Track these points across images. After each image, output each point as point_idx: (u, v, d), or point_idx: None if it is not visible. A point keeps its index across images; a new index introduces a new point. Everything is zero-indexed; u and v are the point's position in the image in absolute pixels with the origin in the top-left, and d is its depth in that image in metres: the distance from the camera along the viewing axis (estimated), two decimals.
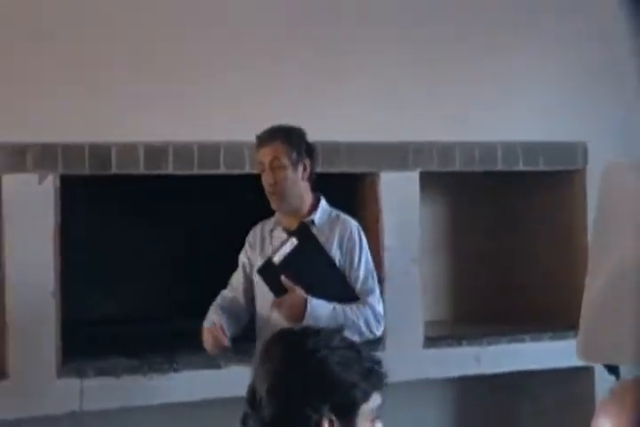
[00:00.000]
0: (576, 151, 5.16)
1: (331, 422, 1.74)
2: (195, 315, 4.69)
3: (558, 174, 5.22)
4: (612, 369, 4.21)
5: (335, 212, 3.96)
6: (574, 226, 5.17)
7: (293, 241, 3.67)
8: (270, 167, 3.74)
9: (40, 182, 4.20)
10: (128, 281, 4.87)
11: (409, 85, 4.82)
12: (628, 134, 5.16)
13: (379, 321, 3.78)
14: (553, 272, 5.22)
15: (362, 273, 3.83)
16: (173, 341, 4.62)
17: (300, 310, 3.60)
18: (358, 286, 3.80)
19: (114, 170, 4.32)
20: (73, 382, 4.18)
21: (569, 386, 5.11)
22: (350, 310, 3.70)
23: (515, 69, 5.07)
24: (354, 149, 4.69)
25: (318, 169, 4.17)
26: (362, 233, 3.90)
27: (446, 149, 4.90)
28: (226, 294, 3.99)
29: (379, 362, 1.89)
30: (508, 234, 5.51)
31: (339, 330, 2.08)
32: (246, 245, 3.98)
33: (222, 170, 4.53)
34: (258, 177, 4.19)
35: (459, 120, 4.91)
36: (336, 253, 3.81)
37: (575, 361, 4.44)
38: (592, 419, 4.09)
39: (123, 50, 4.41)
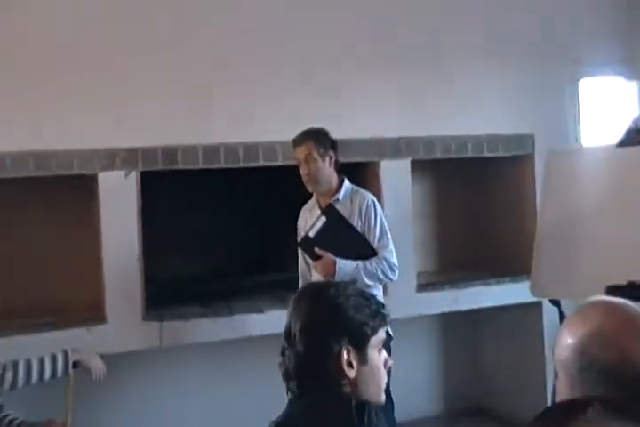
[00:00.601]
0: (526, 141, 5.13)
1: (348, 351, 1.77)
2: (245, 275, 4.93)
3: (513, 159, 5.19)
4: (555, 302, 4.18)
5: (355, 188, 4.04)
6: (526, 196, 5.17)
7: (323, 219, 3.77)
8: (305, 161, 3.84)
9: (126, 177, 4.17)
10: (192, 250, 4.85)
11: (402, 97, 4.78)
12: (562, 130, 5.25)
13: (393, 269, 3.87)
14: (511, 232, 5.20)
15: (377, 233, 3.90)
16: (230, 293, 4.58)
17: (331, 270, 3.72)
18: (375, 244, 3.87)
19: (180, 166, 4.27)
20: (154, 325, 4.16)
21: (524, 316, 5.11)
22: (370, 265, 3.79)
23: (481, 82, 5.03)
24: (362, 143, 4.65)
25: (347, 159, 4.36)
26: (376, 203, 3.98)
27: (429, 142, 4.87)
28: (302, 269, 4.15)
29: (383, 306, 1.90)
30: (477, 204, 5.49)
31: (353, 282, 2.10)
32: (299, 229, 4.08)
33: (261, 163, 4.46)
34: (287, 167, 4.34)
35: (438, 120, 4.88)
36: (358, 220, 3.88)
37: (529, 298, 4.51)
38: (539, 339, 4.07)
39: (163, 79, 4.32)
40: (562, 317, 3.76)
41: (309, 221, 3.96)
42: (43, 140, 3.98)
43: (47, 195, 4.30)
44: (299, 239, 3.99)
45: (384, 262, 3.84)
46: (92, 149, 4.08)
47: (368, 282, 3.76)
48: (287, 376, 1.82)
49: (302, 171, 3.88)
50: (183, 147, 4.27)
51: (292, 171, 4.43)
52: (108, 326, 4.08)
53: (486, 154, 5.05)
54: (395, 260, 3.89)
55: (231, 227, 4.95)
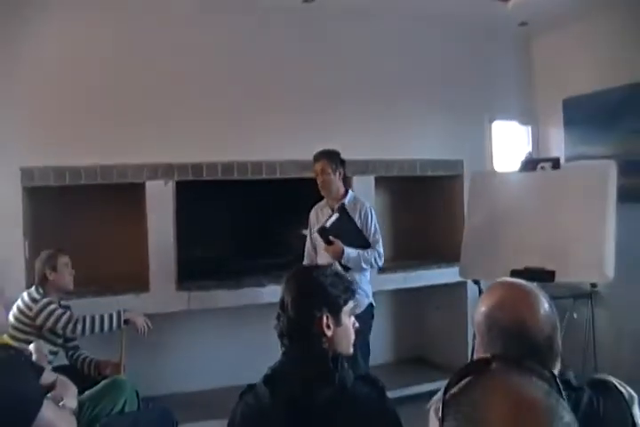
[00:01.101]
0: (458, 165, 5.16)
1: (327, 317, 1.79)
2: (251, 258, 4.86)
3: (449, 177, 5.22)
4: (476, 282, 4.27)
5: (357, 196, 4.08)
6: (457, 205, 5.17)
7: (336, 215, 3.81)
8: (320, 173, 3.89)
9: (165, 185, 4.21)
10: (212, 239, 4.81)
11: (370, 129, 4.79)
12: (482, 157, 5.30)
13: (381, 258, 3.93)
14: (446, 231, 5.20)
15: (372, 230, 3.94)
16: (240, 272, 4.59)
17: (339, 254, 3.76)
18: (370, 238, 3.91)
19: (204, 177, 4.31)
20: (184, 294, 4.21)
21: (454, 292, 5.11)
22: (367, 253, 3.85)
23: (427, 121, 5.05)
24: None
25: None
26: (372, 209, 4.02)
27: (388, 163, 4.90)
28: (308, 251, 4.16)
29: (352, 283, 1.92)
30: (423, 209, 5.49)
31: (330, 266, 2.09)
32: (310, 223, 4.12)
33: (264, 176, 4.50)
34: (284, 180, 4.45)
35: (395, 147, 4.90)
36: (358, 219, 3.91)
37: (457, 278, 4.54)
38: (464, 309, 4.05)
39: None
40: (480, 293, 3.66)
41: (321, 217, 4.00)
42: (106, 156, 4.03)
43: (109, 198, 4.33)
44: (313, 230, 3.99)
45: (376, 253, 3.88)
46: (141, 163, 4.14)
47: (364, 266, 3.86)
48: (281, 335, 1.82)
49: (319, 181, 3.91)
50: (206, 163, 4.30)
51: (288, 183, 4.50)
52: (151, 293, 4.13)
53: (429, 173, 5.07)
54: (382, 251, 3.94)
55: (241, 223, 4.90)
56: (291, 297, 1.82)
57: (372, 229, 3.95)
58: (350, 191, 4.05)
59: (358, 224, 3.90)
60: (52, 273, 3.51)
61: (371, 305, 3.95)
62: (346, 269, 3.63)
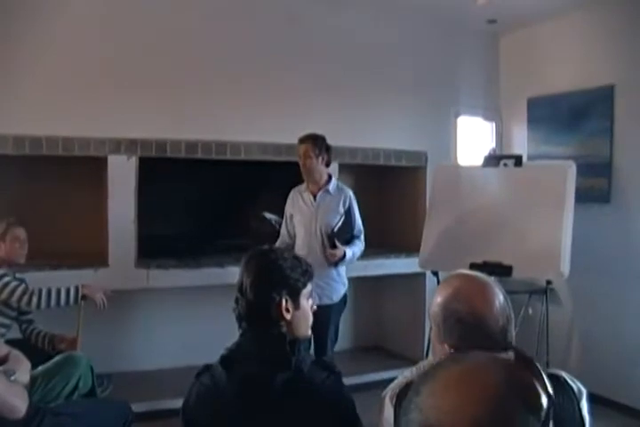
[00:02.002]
0: (422, 156, 5.17)
1: (286, 300, 1.77)
2: (211, 239, 4.84)
3: (412, 168, 5.23)
4: (434, 273, 4.34)
5: (340, 184, 4.02)
6: (419, 196, 5.20)
7: (342, 218, 3.80)
8: (303, 157, 3.80)
9: (128, 160, 4.14)
10: (172, 217, 4.76)
11: (336, 117, 4.75)
12: (445, 151, 5.32)
13: (364, 246, 3.96)
14: (407, 222, 5.24)
15: (357, 221, 3.95)
16: (199, 252, 4.56)
17: (339, 259, 3.75)
18: (355, 229, 3.92)
19: (168, 154, 4.25)
20: (143, 271, 4.17)
21: (412, 282, 5.15)
22: (358, 249, 3.88)
23: (393, 113, 5.06)
24: None
25: (292, 158, 4.22)
26: (353, 197, 3.98)
27: (353, 151, 4.89)
28: (282, 233, 4.06)
29: (310, 266, 1.89)
30: (385, 200, 5.53)
31: (288, 249, 2.08)
32: (288, 204, 4.02)
33: (228, 157, 4.45)
34: (248, 162, 4.40)
35: (360, 136, 4.89)
36: (342, 208, 3.86)
37: (417, 269, 4.62)
38: (422, 299, 4.11)
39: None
40: (439, 284, 3.89)
41: (301, 202, 3.90)
42: (68, 127, 3.93)
43: (71, 171, 4.25)
44: (292, 212, 3.92)
45: (361, 242, 3.92)
46: (104, 137, 4.05)
47: (355, 260, 3.92)
48: (239, 318, 1.79)
49: (302, 163, 3.81)
50: (171, 140, 4.23)
51: (253, 165, 4.48)
52: (110, 269, 4.07)
53: (393, 163, 5.08)
54: (363, 240, 3.97)
55: (204, 203, 4.87)
56: (250, 280, 1.79)
57: (358, 218, 3.95)
58: (333, 178, 3.97)
59: (342, 211, 3.86)
60: (2, 245, 3.43)
61: (346, 295, 3.96)
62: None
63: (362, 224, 3.99)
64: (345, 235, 3.85)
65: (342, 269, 3.90)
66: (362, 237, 3.94)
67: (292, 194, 4.01)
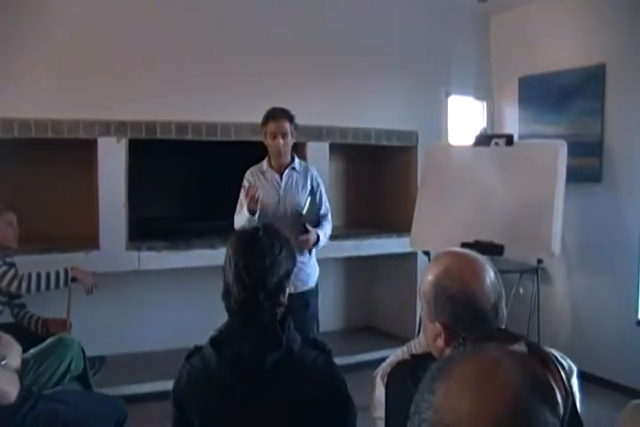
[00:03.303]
0: (412, 136, 5.16)
1: (288, 285, 1.77)
2: (201, 220, 4.82)
3: (403, 148, 5.22)
4: (426, 253, 4.33)
5: (304, 162, 3.75)
6: (410, 176, 5.21)
7: (309, 198, 3.50)
8: (281, 135, 3.42)
9: (117, 142, 4.10)
10: (163, 199, 4.79)
11: (327, 96, 4.74)
12: (437, 130, 5.29)
13: (333, 226, 3.71)
14: (398, 202, 5.23)
15: (325, 199, 3.67)
16: (190, 233, 4.54)
17: (312, 244, 3.43)
18: (323, 208, 3.63)
19: (158, 136, 4.21)
20: (134, 254, 4.15)
21: (404, 262, 5.17)
22: (328, 230, 3.58)
23: (383, 92, 5.02)
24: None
25: None
26: (319, 175, 3.69)
27: (343, 131, 4.88)
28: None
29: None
30: (376, 179, 5.54)
31: (274, 231, 1.85)
32: (247, 177, 3.57)
33: (219, 138, 4.43)
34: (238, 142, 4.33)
35: (351, 115, 4.87)
36: (310, 186, 3.56)
37: (408, 249, 4.64)
38: (413, 278, 4.09)
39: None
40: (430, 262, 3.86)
41: (265, 182, 3.52)
42: (57, 110, 3.89)
43: (60, 154, 4.24)
44: (249, 193, 3.30)
45: (329, 222, 3.65)
46: (93, 119, 4.01)
47: (327, 241, 3.60)
48: (240, 304, 1.72)
49: (275, 142, 3.43)
50: (160, 122, 4.19)
51: (244, 145, 4.46)
52: (101, 252, 4.06)
53: (384, 142, 5.06)
54: (331, 218, 3.70)
55: (195, 184, 4.87)
56: (266, 264, 1.73)
57: (325, 197, 3.69)
58: (296, 157, 3.66)
59: (309, 190, 3.58)
60: None
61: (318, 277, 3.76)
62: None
63: (327, 202, 3.72)
64: (313, 216, 3.56)
65: (313, 252, 3.61)
66: (329, 216, 3.68)
67: (249, 175, 3.60)
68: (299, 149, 4.63)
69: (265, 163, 3.61)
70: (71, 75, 3.98)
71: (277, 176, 3.56)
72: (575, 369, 1.55)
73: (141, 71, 4.18)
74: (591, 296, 4.64)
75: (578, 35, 4.73)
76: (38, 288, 3.36)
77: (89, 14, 4.05)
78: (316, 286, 3.66)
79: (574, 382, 1.50)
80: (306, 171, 3.63)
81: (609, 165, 4.54)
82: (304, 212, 3.46)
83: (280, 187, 3.54)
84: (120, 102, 4.10)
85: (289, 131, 3.45)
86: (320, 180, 3.69)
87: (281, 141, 3.44)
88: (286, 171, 3.56)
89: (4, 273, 3.32)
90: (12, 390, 2.14)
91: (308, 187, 3.59)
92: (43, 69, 3.92)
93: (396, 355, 1.74)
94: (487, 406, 0.76)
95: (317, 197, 3.62)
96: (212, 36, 4.41)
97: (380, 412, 1.58)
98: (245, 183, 3.52)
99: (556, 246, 3.86)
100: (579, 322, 4.73)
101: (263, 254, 1.73)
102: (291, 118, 3.47)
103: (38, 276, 3.36)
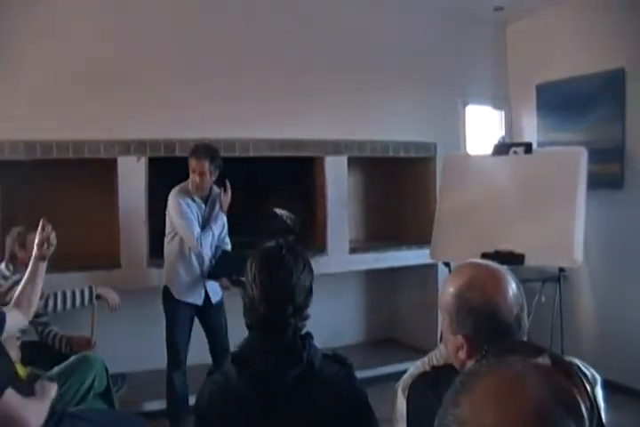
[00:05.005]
0: (430, 147, 5.16)
1: None
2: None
3: (421, 159, 5.22)
4: (446, 264, 4.35)
5: (215, 188, 3.85)
6: (429, 187, 5.18)
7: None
8: (200, 174, 3.64)
9: (137, 161, 4.17)
10: None
11: (345, 111, 4.78)
12: (455, 140, 5.30)
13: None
14: (418, 213, 5.21)
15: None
16: None
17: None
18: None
19: (177, 154, 4.24)
20: (155, 271, 4.15)
21: (424, 273, 5.13)
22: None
23: (400, 105, 5.04)
24: (313, 143, 4.67)
25: (301, 154, 4.56)
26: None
27: (362, 144, 4.89)
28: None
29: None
30: (395, 191, 5.51)
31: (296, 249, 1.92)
32: (184, 206, 3.72)
33: (237, 154, 4.44)
34: (256, 158, 4.36)
35: (369, 129, 4.90)
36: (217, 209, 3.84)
37: (428, 260, 4.61)
38: (434, 290, 4.10)
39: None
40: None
41: (196, 210, 3.73)
42: (78, 131, 3.96)
43: (81, 174, 4.27)
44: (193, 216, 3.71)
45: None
46: (113, 139, 4.09)
47: None
48: (265, 320, 1.70)
49: (192, 176, 3.65)
50: (178, 140, 4.23)
51: (261, 161, 4.49)
52: (122, 269, 4.11)
53: (402, 155, 5.07)
54: None
55: None
56: (264, 294, 1.70)
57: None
58: (214, 187, 3.86)
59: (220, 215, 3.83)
60: (22, 250, 3.46)
61: None
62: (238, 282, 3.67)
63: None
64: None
65: None
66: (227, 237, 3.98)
67: (181, 198, 3.72)
68: (316, 164, 4.73)
69: (188, 188, 3.75)
70: (91, 97, 4.04)
71: (204, 205, 3.80)
72: (599, 379, 1.53)
73: (157, 91, 4.23)
74: (615, 304, 4.57)
75: (595, 40, 4.70)
76: (64, 307, 3.41)
77: (105, 34, 4.11)
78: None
79: (598, 391, 1.49)
80: (216, 195, 3.84)
81: (631, 170, 4.49)
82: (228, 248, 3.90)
83: (207, 216, 3.80)
84: (138, 122, 4.16)
85: (207, 170, 3.64)
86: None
87: (197, 179, 3.66)
88: (210, 199, 3.81)
89: None
90: (34, 421, 2.13)
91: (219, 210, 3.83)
92: (61, 94, 3.99)
93: (416, 367, 1.72)
94: (512, 419, 0.75)
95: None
96: (230, 54, 4.45)
97: (402, 425, 1.57)
98: (183, 203, 3.70)
99: (579, 254, 3.82)
100: (603, 330, 4.66)
101: (290, 271, 1.72)
102: (212, 158, 3.65)
103: (64, 295, 3.41)
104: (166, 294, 3.85)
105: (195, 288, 3.84)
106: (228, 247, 3.97)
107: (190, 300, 3.83)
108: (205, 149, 3.68)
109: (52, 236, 2.52)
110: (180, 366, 3.76)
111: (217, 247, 3.88)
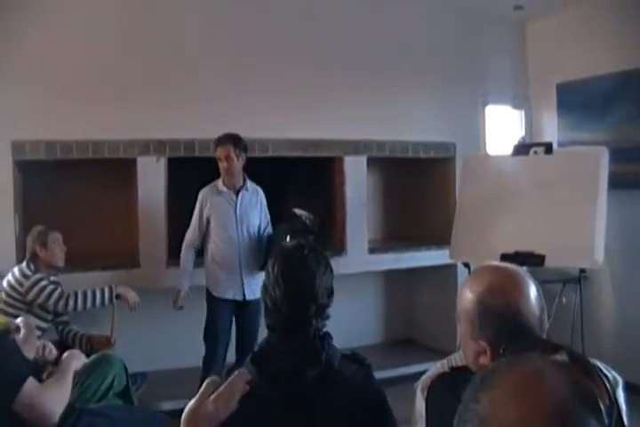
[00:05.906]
0: (450, 147, 5.15)
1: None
2: None
3: (441, 159, 5.20)
4: (466, 264, 4.31)
5: (253, 184, 4.00)
6: (448, 188, 5.17)
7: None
8: (226, 159, 3.79)
9: (157, 161, 4.19)
10: None
11: (364, 111, 4.75)
12: (474, 141, 5.27)
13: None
14: (437, 214, 5.21)
15: (267, 215, 4.06)
16: None
17: None
18: (265, 223, 4.04)
19: (197, 154, 4.28)
20: (174, 271, 4.10)
21: (444, 274, 5.11)
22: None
23: (420, 105, 5.04)
24: (332, 143, 4.68)
25: (320, 154, 4.59)
26: (264, 195, 4.04)
27: (381, 144, 4.89)
28: (193, 238, 3.97)
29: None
30: (414, 191, 5.50)
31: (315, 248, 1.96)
32: (202, 205, 3.93)
33: (256, 154, 4.40)
34: (271, 158, 4.36)
35: (388, 129, 4.88)
36: (260, 205, 3.98)
37: (448, 261, 4.61)
38: (454, 290, 4.07)
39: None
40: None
41: (223, 201, 3.88)
42: (98, 131, 3.99)
43: (101, 173, 4.33)
44: (205, 211, 3.87)
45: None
46: (133, 139, 4.11)
47: None
48: (288, 320, 1.70)
49: (220, 165, 3.81)
50: (198, 140, 4.25)
51: (281, 161, 4.49)
52: (142, 269, 4.13)
53: (421, 155, 5.07)
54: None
55: None
56: (285, 293, 1.71)
57: (268, 213, 4.06)
58: (247, 178, 3.98)
59: (258, 208, 3.96)
60: (43, 250, 3.51)
61: None
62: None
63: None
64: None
65: None
66: (269, 229, 4.05)
67: (205, 194, 3.93)
68: (335, 164, 4.72)
69: (219, 182, 3.92)
70: (111, 97, 4.06)
71: (234, 196, 3.90)
72: (620, 381, 1.51)
73: (178, 90, 4.24)
74: (637, 305, 4.53)
75: (615, 39, 4.67)
76: (84, 306, 3.46)
77: (124, 35, 4.13)
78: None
79: (620, 394, 1.47)
80: (255, 191, 3.98)
81: None
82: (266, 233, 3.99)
83: (237, 206, 3.89)
84: (158, 122, 4.18)
85: (232, 155, 3.78)
86: (264, 200, 4.04)
87: (225, 165, 3.80)
88: (242, 191, 3.91)
89: (52, 292, 3.41)
90: (58, 410, 2.16)
91: (259, 207, 3.98)
92: (80, 94, 4.00)
93: (436, 367, 1.72)
94: (533, 415, 0.76)
95: (263, 212, 4.03)
96: (249, 54, 4.45)
97: (422, 425, 1.56)
98: (200, 202, 3.90)
99: (600, 255, 3.79)
100: (624, 332, 4.62)
101: (313, 272, 1.72)
102: (235, 142, 3.80)
103: (84, 294, 3.46)
104: (207, 291, 3.97)
105: (231, 284, 3.90)
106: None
107: (229, 296, 3.89)
108: (226, 135, 3.82)
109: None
110: (216, 364, 3.80)
111: (267, 236, 3.98)
